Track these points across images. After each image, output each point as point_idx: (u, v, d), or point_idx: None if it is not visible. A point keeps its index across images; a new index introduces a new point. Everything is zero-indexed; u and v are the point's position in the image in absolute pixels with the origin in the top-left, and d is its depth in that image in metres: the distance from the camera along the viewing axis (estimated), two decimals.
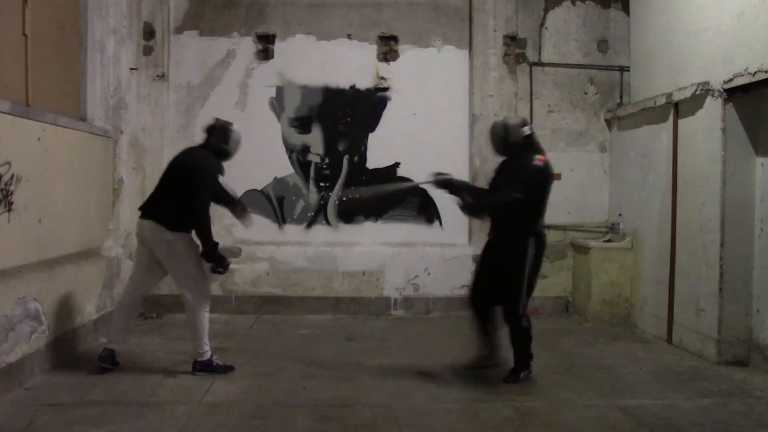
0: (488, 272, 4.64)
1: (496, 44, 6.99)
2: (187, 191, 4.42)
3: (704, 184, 5.23)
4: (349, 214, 7.09)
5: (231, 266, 6.68)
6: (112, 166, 6.10)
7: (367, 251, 6.95)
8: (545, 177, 4.49)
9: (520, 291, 4.43)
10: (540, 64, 7.05)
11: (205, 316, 4.59)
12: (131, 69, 6.54)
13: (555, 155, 7.09)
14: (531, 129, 4.62)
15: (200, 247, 4.52)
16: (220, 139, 4.64)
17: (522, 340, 4.55)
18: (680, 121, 5.64)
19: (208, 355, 4.61)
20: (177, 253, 4.49)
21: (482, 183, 6.92)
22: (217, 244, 4.53)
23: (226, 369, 4.64)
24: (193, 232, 4.54)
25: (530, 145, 4.56)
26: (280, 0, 7.00)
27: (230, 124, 4.73)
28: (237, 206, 4.88)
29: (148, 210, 4.56)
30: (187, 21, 6.96)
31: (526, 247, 4.42)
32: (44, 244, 4.73)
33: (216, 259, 4.51)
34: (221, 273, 4.62)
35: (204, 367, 4.58)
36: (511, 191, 4.34)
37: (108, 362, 4.57)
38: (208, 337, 4.66)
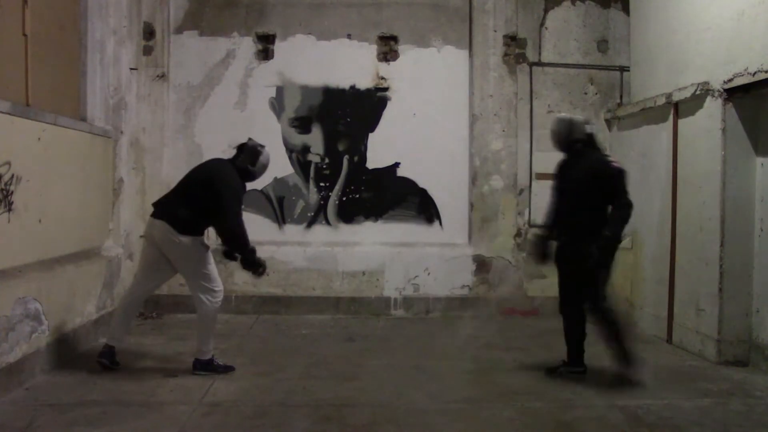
0: (570, 275, 4.59)
1: (496, 44, 6.99)
2: (204, 200, 4.43)
3: (704, 184, 5.23)
4: (349, 214, 7.09)
5: (230, 266, 6.75)
6: (112, 166, 6.10)
7: (367, 251, 6.95)
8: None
9: (602, 283, 4.42)
10: (540, 64, 7.05)
11: (215, 314, 4.59)
12: (131, 69, 6.53)
13: (555, 155, 7.10)
14: (593, 127, 4.61)
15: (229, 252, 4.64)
16: (248, 159, 4.64)
17: (616, 332, 4.46)
18: (680, 121, 5.64)
19: (209, 355, 4.62)
20: (188, 254, 4.49)
21: (481, 182, 6.95)
22: (254, 250, 4.58)
23: (227, 369, 4.64)
24: (205, 236, 4.61)
25: (592, 143, 4.58)
26: (280, 0, 7.00)
27: (262, 147, 4.73)
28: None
29: (161, 210, 4.54)
30: (187, 21, 6.96)
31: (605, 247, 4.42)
32: (44, 244, 4.73)
33: (254, 266, 4.58)
34: (259, 276, 4.71)
35: (204, 367, 4.58)
36: (625, 199, 4.36)
37: (107, 358, 4.58)
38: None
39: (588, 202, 4.44)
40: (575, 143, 4.56)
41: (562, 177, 4.67)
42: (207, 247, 4.58)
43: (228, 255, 4.72)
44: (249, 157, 4.65)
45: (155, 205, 4.65)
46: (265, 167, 4.74)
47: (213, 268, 4.61)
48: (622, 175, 4.44)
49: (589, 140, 4.59)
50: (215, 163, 4.73)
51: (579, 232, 4.46)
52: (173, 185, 4.85)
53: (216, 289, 4.58)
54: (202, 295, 4.54)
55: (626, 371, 4.48)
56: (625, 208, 4.38)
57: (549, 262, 4.77)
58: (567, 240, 4.55)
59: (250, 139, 4.84)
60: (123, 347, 5.26)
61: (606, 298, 4.50)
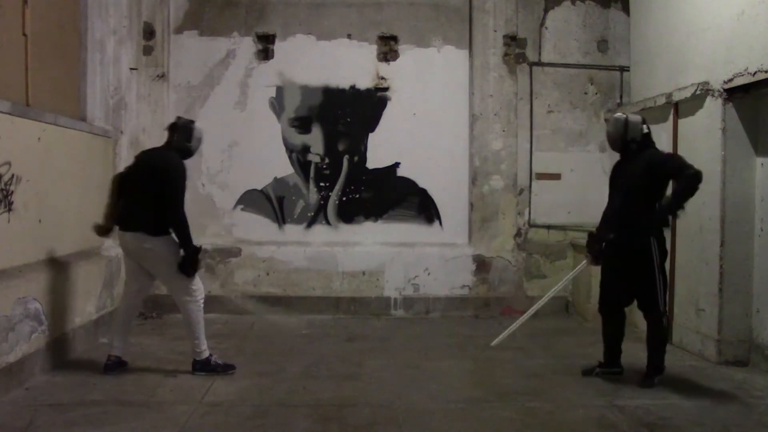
0: (621, 274, 4.54)
1: (496, 44, 6.99)
2: (162, 193, 4.41)
3: (704, 184, 5.19)
4: (349, 214, 7.09)
5: (230, 266, 6.78)
6: (112, 166, 6.09)
7: (367, 251, 6.96)
8: None
9: (660, 285, 4.42)
10: (540, 63, 7.05)
11: (200, 314, 4.59)
12: (131, 69, 6.53)
13: (555, 155, 7.16)
14: (649, 128, 4.57)
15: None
16: (182, 138, 4.63)
17: (660, 341, 4.51)
18: (680, 121, 5.64)
19: (206, 354, 4.61)
20: (162, 257, 4.49)
21: (481, 182, 6.95)
22: (199, 248, 4.52)
23: (226, 368, 4.64)
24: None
25: (648, 144, 4.54)
26: (280, 0, 7.00)
27: (192, 122, 4.76)
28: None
29: (126, 222, 4.53)
30: (187, 21, 6.96)
31: (660, 241, 4.43)
32: (44, 244, 4.73)
33: (194, 263, 4.50)
34: (189, 276, 4.52)
35: (203, 366, 4.58)
36: (689, 170, 4.23)
37: (116, 369, 4.58)
38: (207, 338, 4.66)
39: (645, 197, 4.38)
40: (631, 143, 4.51)
41: (616, 176, 4.62)
42: (178, 245, 4.55)
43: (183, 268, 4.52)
44: (183, 134, 4.63)
45: (118, 217, 4.59)
46: (200, 140, 4.74)
47: None
48: (675, 156, 4.40)
49: (645, 140, 4.52)
50: (156, 154, 4.65)
51: (637, 228, 4.40)
52: None
53: (195, 287, 4.57)
54: (183, 297, 4.55)
55: (651, 377, 4.50)
56: (686, 179, 4.23)
57: (601, 262, 4.72)
58: (624, 237, 4.46)
59: (178, 117, 4.87)
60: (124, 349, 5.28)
61: (664, 300, 4.51)
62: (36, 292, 4.44)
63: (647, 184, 4.37)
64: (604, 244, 4.60)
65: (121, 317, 4.73)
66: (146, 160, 4.65)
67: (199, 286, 4.63)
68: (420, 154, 7.00)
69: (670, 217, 4.45)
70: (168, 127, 4.76)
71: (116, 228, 4.62)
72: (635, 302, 4.64)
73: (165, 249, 4.49)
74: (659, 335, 4.52)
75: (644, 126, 4.52)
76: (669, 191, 4.46)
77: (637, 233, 4.40)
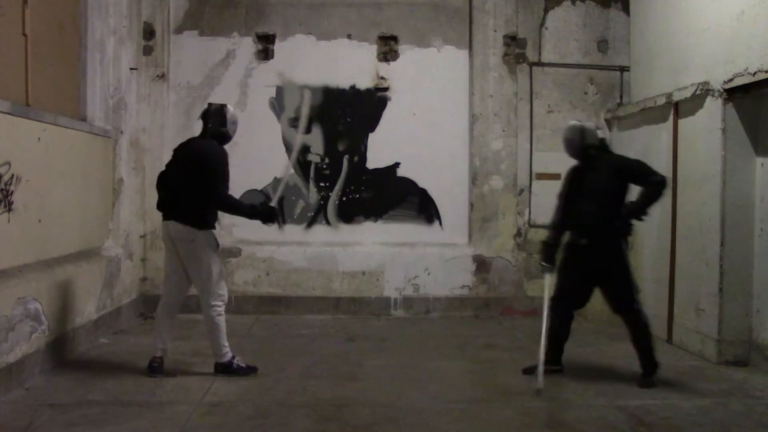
0: (587, 277, 4.60)
1: (496, 44, 6.99)
2: (203, 183, 4.40)
3: (704, 184, 5.23)
4: (349, 214, 7.09)
5: (230, 266, 6.78)
6: (112, 166, 6.09)
7: (367, 251, 6.96)
8: None
9: (633, 284, 4.53)
10: (540, 64, 7.05)
11: (222, 318, 4.55)
12: (131, 69, 6.53)
13: (555, 155, 7.13)
14: (605, 133, 4.68)
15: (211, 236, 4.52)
16: (217, 123, 4.58)
17: (646, 337, 4.54)
18: (680, 121, 5.64)
19: (228, 357, 4.57)
20: (199, 253, 4.44)
21: (481, 182, 6.95)
22: (253, 206, 4.66)
23: (249, 370, 4.59)
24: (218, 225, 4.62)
25: (605, 148, 4.69)
26: (280, 0, 7.00)
27: (224, 105, 4.68)
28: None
29: (171, 211, 4.49)
30: (187, 21, 6.96)
31: (627, 242, 4.57)
32: (44, 244, 4.73)
33: (263, 215, 4.62)
34: (275, 222, 4.80)
35: (225, 369, 4.55)
36: (655, 177, 4.41)
37: (160, 371, 4.54)
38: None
39: (613, 201, 4.47)
40: (589, 149, 4.63)
41: (579, 182, 4.67)
42: (218, 245, 4.55)
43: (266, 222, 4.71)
44: (217, 120, 4.59)
45: (162, 207, 4.57)
46: (235, 122, 4.69)
47: (221, 269, 4.60)
48: (641, 162, 4.56)
49: (602, 145, 4.68)
50: (193, 144, 4.62)
51: (607, 232, 4.48)
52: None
53: (221, 291, 4.55)
54: (208, 299, 4.50)
55: (648, 375, 4.52)
56: (653, 185, 4.40)
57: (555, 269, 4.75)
58: (593, 241, 4.51)
59: (209, 103, 4.81)
60: (123, 348, 5.28)
61: (639, 299, 4.57)
62: (36, 292, 4.44)
63: (615, 188, 4.49)
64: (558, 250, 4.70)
65: (162, 316, 4.64)
66: (184, 151, 4.60)
67: (225, 291, 4.60)
68: (420, 154, 7.00)
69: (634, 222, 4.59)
70: (201, 115, 4.70)
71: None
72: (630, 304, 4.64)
73: (206, 245, 4.44)
74: (643, 334, 4.55)
75: (600, 131, 4.69)
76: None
77: (609, 237, 4.48)
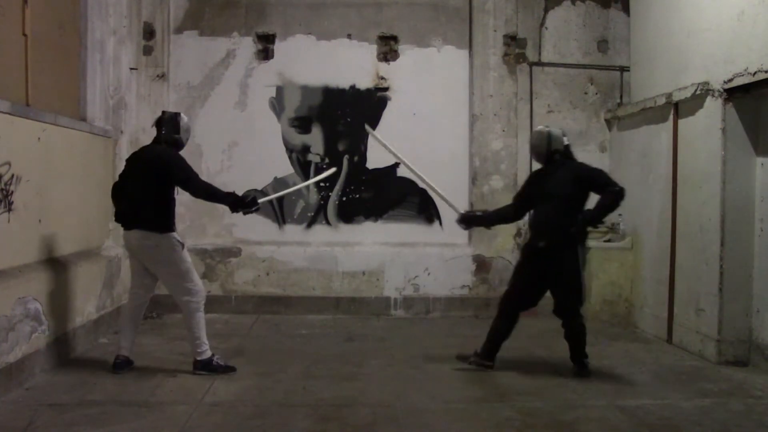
0: (540, 280, 4.71)
1: (496, 44, 6.99)
2: (160, 188, 4.48)
3: (704, 184, 5.23)
4: (349, 214, 7.09)
5: (230, 266, 6.78)
6: (112, 166, 6.09)
7: (367, 251, 6.96)
8: None
9: (581, 292, 4.66)
10: (540, 64, 7.05)
11: (201, 314, 4.59)
12: (131, 69, 6.53)
13: None
14: (569, 140, 4.87)
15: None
16: (171, 130, 4.64)
17: (580, 340, 4.75)
18: (680, 121, 5.64)
19: (207, 354, 4.60)
20: (165, 256, 4.50)
21: (481, 182, 6.95)
22: (232, 194, 4.64)
23: (227, 369, 4.63)
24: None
25: (569, 154, 4.82)
26: (280, 0, 7.00)
27: (178, 114, 4.77)
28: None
29: (129, 220, 4.54)
30: (187, 21, 6.96)
31: (583, 249, 4.68)
32: (44, 244, 4.73)
33: (243, 205, 4.63)
34: (256, 212, 4.79)
35: (204, 366, 4.57)
36: (613, 186, 4.55)
37: (125, 368, 4.59)
38: (208, 338, 4.66)
39: (573, 206, 4.60)
40: (554, 154, 4.75)
41: (540, 185, 4.80)
42: (182, 245, 4.57)
43: (233, 208, 4.72)
44: (171, 127, 4.64)
45: (122, 217, 4.61)
46: (188, 130, 4.77)
47: (190, 266, 4.62)
48: (602, 171, 4.72)
49: (566, 151, 4.81)
50: (147, 151, 4.66)
51: (564, 236, 4.58)
52: None
53: (195, 287, 4.58)
54: (183, 297, 4.55)
55: (580, 370, 4.72)
56: (610, 195, 4.54)
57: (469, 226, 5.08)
58: (552, 246, 4.62)
59: (163, 111, 4.91)
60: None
61: (580, 309, 4.75)
62: (36, 292, 4.44)
63: (574, 194, 4.62)
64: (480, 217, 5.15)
65: (128, 317, 4.72)
66: (139, 158, 4.65)
67: (200, 286, 4.64)
68: (420, 154, 6.96)
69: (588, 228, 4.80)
70: (155, 123, 4.75)
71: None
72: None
73: (169, 247, 4.49)
74: (578, 338, 4.75)
75: (565, 138, 4.81)
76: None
77: (565, 242, 4.58)
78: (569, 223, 4.54)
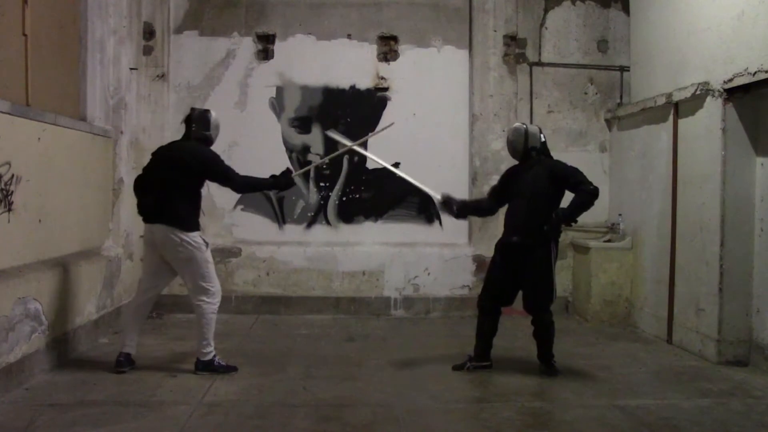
0: (514, 275, 4.73)
1: (496, 44, 6.99)
2: (217, 179, 4.61)
3: (704, 184, 5.23)
4: (349, 214, 7.09)
5: (230, 266, 6.78)
6: (112, 166, 6.09)
7: (367, 251, 6.96)
8: None
9: (552, 290, 4.70)
10: (540, 64, 7.05)
11: (214, 316, 4.59)
12: (131, 69, 6.53)
13: (555, 155, 7.05)
14: (545, 137, 4.88)
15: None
16: (201, 127, 4.64)
17: (548, 337, 4.79)
18: (680, 121, 5.64)
19: (211, 355, 4.60)
20: (188, 254, 4.48)
21: (481, 182, 6.95)
22: (271, 177, 4.75)
23: (228, 369, 4.63)
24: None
25: (545, 151, 4.83)
26: (280, 0, 7.00)
27: (207, 111, 4.77)
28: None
29: (156, 214, 4.52)
30: (187, 21, 6.96)
31: (556, 246, 4.71)
32: (44, 244, 4.73)
33: (283, 185, 4.80)
34: (292, 186, 4.98)
35: (206, 367, 4.57)
36: (588, 186, 4.53)
37: (127, 365, 4.59)
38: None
39: (547, 203, 4.60)
40: (531, 151, 4.77)
41: (515, 182, 4.81)
42: (207, 244, 4.59)
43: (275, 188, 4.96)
44: (201, 124, 4.65)
45: (145, 210, 4.61)
46: (218, 126, 4.76)
47: (212, 267, 4.62)
48: (577, 170, 4.67)
49: (543, 148, 4.82)
50: (177, 147, 4.66)
51: (537, 233, 4.59)
52: None
53: (213, 289, 4.58)
54: (200, 296, 4.54)
55: (548, 369, 4.75)
56: (584, 194, 4.53)
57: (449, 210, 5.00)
58: (525, 241, 4.64)
59: (192, 108, 4.92)
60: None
61: (550, 306, 4.79)
62: (36, 292, 4.44)
63: (549, 191, 4.63)
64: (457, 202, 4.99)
65: (133, 313, 4.71)
66: (168, 153, 4.63)
67: (218, 288, 4.63)
68: (420, 154, 6.99)
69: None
70: (184, 119, 4.75)
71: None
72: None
73: (193, 245, 4.48)
74: (547, 335, 4.78)
75: (542, 135, 4.82)
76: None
77: (539, 238, 4.60)
78: (543, 219, 4.55)
